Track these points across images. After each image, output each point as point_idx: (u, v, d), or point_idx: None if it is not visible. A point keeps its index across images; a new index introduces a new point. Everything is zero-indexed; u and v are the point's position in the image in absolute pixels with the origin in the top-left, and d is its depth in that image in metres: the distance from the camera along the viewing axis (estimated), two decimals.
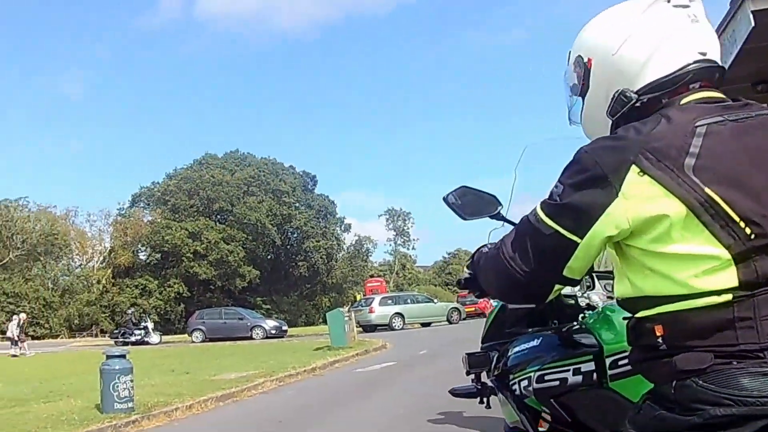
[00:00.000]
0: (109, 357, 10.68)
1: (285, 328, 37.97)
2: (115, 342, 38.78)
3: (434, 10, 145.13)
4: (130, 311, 44.94)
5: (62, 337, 68.95)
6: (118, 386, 10.34)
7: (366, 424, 9.26)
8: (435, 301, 38.63)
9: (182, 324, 69.28)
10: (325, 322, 68.59)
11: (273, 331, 35.89)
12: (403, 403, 10.83)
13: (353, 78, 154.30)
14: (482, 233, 2.78)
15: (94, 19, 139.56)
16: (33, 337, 69.19)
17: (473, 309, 41.81)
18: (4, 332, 68.46)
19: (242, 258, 74.44)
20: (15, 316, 35.96)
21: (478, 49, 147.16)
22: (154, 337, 38.35)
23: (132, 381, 10.61)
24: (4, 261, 74.05)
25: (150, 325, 39.48)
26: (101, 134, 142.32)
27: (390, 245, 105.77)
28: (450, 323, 34.84)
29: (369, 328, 33.23)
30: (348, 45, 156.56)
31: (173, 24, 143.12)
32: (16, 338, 33.39)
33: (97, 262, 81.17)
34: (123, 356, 10.72)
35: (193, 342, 36.78)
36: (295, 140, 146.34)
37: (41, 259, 77.79)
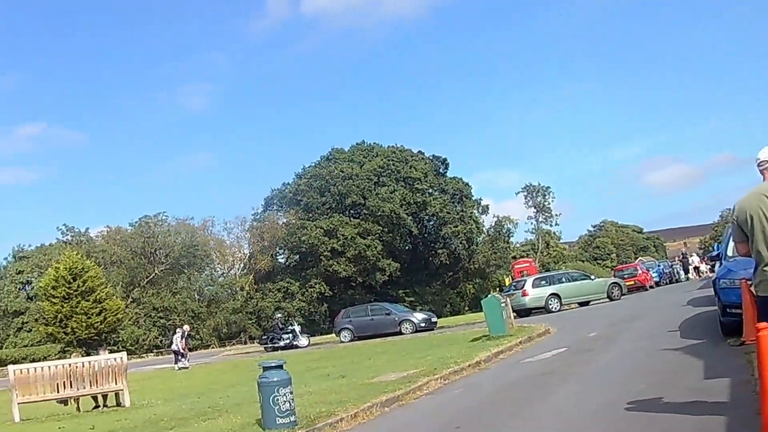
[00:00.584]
0: (266, 369, 10.17)
1: (434, 319, 37.31)
2: (265, 348, 39.34)
3: None
4: (278, 316, 45.49)
5: (213, 347, 71.14)
6: (278, 399, 9.83)
7: (555, 424, 8.30)
8: (592, 277, 36.96)
9: (327, 324, 70.06)
10: (472, 310, 68.33)
11: (422, 324, 35.29)
12: (590, 395, 9.81)
13: (472, 55, 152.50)
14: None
15: (208, 31, 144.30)
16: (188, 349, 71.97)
17: (632, 282, 39.97)
18: (158, 346, 71.65)
19: (380, 251, 74.46)
20: (178, 329, 36.81)
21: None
22: (303, 340, 38.58)
23: (292, 393, 10.08)
24: (151, 276, 77.20)
25: (297, 328, 39.75)
26: (227, 143, 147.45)
27: (531, 223, 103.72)
28: (611, 300, 33.17)
29: (523, 312, 32.11)
30: (463, 20, 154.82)
31: (283, 25, 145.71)
32: (182, 351, 34.23)
33: (238, 269, 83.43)
34: (280, 367, 10.18)
35: (341, 342, 36.70)
36: (421, 125, 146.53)
37: (185, 271, 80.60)
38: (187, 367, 32.71)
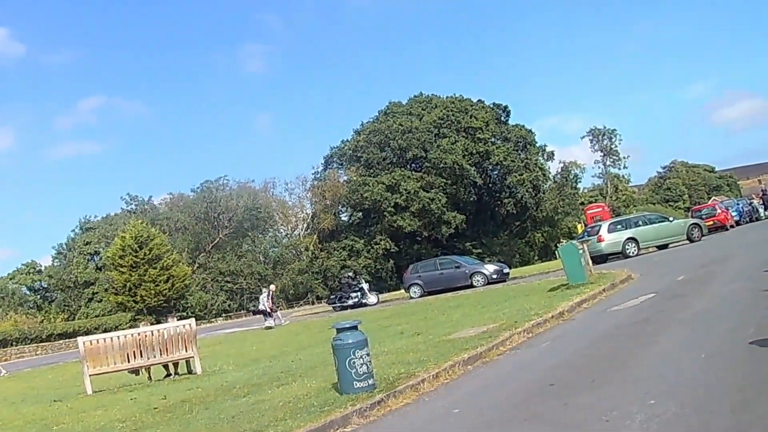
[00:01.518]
0: (339, 331, 9.62)
1: (507, 270, 36.54)
2: (333, 308, 39.22)
3: None
4: (348, 274, 45.29)
5: (280, 309, 71.72)
6: (354, 362, 9.30)
7: (663, 376, 7.58)
8: (670, 218, 35.63)
9: (394, 281, 70.03)
10: (542, 259, 67.32)
11: (494, 276, 34.57)
12: (696, 342, 9.06)
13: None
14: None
15: None
16: (253, 312, 72.79)
17: (712, 222, 38.50)
18: (227, 311, 72.62)
19: (444, 204, 73.80)
20: (264, 289, 38.01)
21: None
22: (372, 298, 38.30)
23: (368, 354, 9.53)
24: (215, 241, 78.11)
25: (366, 285, 39.46)
26: (285, 104, 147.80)
27: (598, 167, 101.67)
28: (691, 241, 31.89)
29: (599, 258, 31.07)
30: None
31: None
32: (269, 310, 34.90)
33: (301, 229, 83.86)
34: (355, 328, 9.63)
35: (411, 298, 36.28)
36: (480, 73, 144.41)
37: (249, 234, 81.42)
38: (272, 327, 33.02)
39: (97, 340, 16.61)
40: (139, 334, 16.73)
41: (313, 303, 70.56)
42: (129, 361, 16.46)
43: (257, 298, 72.81)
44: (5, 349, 55.34)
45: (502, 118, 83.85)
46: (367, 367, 9.47)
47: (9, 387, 23.44)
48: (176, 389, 14.20)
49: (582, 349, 10.54)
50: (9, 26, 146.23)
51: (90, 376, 16.21)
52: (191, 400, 11.95)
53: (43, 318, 78.66)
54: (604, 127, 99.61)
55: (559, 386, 8.17)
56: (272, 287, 38.79)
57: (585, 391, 7.56)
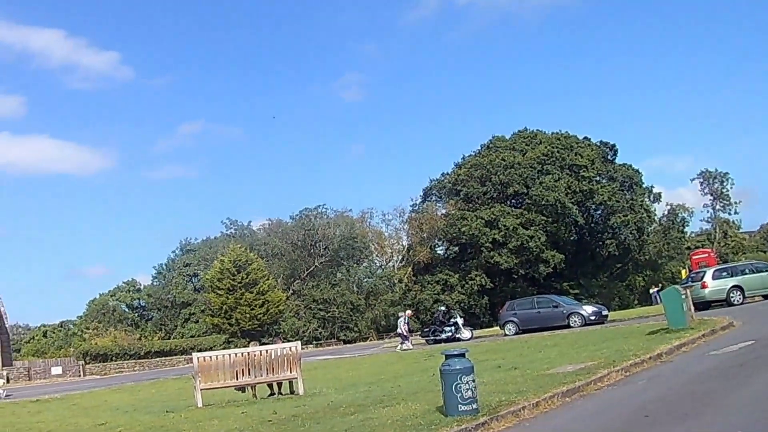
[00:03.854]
0: (448, 357, 10.61)
1: (605, 312, 36.70)
2: (426, 341, 39.94)
3: None
4: (441, 309, 46.03)
5: (371, 339, 72.90)
6: (460, 387, 10.26)
7: (753, 413, 8.25)
8: None
9: (487, 317, 70.22)
10: (641, 303, 66.33)
11: (592, 318, 34.82)
12: None
13: (637, 36, 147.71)
14: None
15: (360, 23, 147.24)
16: (344, 341, 74.22)
17: None
18: (317, 338, 74.14)
19: (544, 242, 73.65)
20: (401, 314, 40.43)
21: None
22: (466, 333, 38.84)
23: (474, 381, 10.48)
24: (311, 269, 79.91)
25: (460, 320, 40.03)
26: (384, 134, 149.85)
27: (707, 211, 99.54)
28: None
29: (702, 305, 31.05)
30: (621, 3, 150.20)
31: (436, 14, 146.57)
32: (405, 334, 37.74)
33: (396, 261, 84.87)
34: (462, 355, 10.61)
35: (506, 335, 36.75)
36: (587, 110, 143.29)
37: (344, 263, 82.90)
38: (410, 349, 35.43)
39: (210, 357, 17.94)
40: (248, 353, 17.98)
41: None
42: (237, 378, 17.68)
43: (348, 327, 74.32)
44: (105, 364, 58.07)
45: (609, 157, 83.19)
46: (472, 392, 10.39)
47: (117, 398, 24.96)
48: (283, 406, 15.28)
49: (677, 388, 11.20)
50: (120, 51, 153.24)
51: (201, 390, 17.52)
52: (302, 416, 12.98)
53: (140, 335, 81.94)
54: (716, 170, 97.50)
55: (653, 417, 8.94)
56: (408, 312, 41.79)
57: (677, 423, 8.31)
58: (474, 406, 10.39)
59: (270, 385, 18.72)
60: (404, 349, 35.66)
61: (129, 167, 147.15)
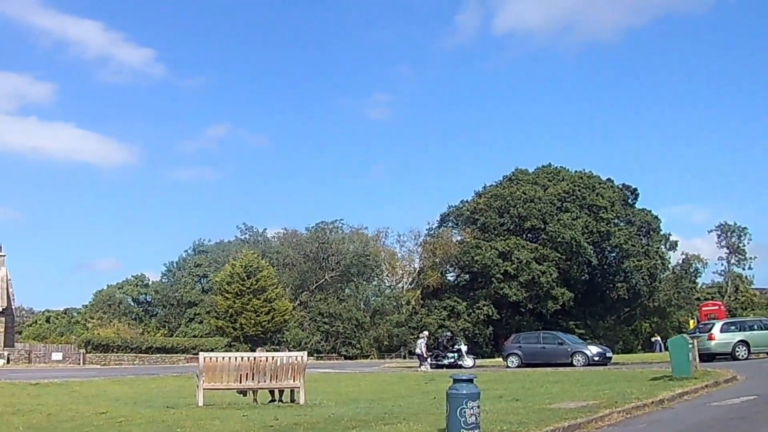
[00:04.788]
0: (456, 381, 10.76)
1: (610, 354, 36.73)
2: (428, 365, 39.95)
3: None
4: (446, 334, 46.12)
5: (372, 358, 72.86)
6: (465, 411, 10.40)
7: None
8: None
9: (490, 347, 70.17)
10: (644, 349, 66.06)
11: (596, 358, 34.85)
12: None
13: (671, 81, 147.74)
14: None
15: (395, 45, 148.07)
16: (345, 357, 74.18)
17: None
18: (319, 351, 74.15)
19: (555, 279, 73.64)
20: (421, 335, 41.07)
21: None
22: (468, 361, 38.88)
23: (479, 407, 10.63)
24: (320, 282, 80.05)
25: (464, 348, 40.10)
26: (407, 155, 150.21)
27: (721, 264, 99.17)
28: None
29: (707, 357, 31.09)
30: (661, 46, 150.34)
31: (472, 42, 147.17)
32: (424, 355, 38.56)
33: (406, 282, 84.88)
34: (471, 381, 10.76)
35: (508, 367, 36.78)
36: (613, 152, 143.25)
37: (354, 279, 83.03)
38: (428, 372, 35.74)
39: (216, 358, 18.14)
40: (254, 358, 18.16)
41: (404, 357, 71.18)
42: (240, 381, 17.88)
43: (351, 343, 74.16)
44: (106, 355, 58.29)
45: (629, 200, 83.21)
46: (476, 419, 10.54)
47: (117, 390, 25.13)
48: (285, 414, 15.42)
49: None
50: (156, 48, 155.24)
51: (203, 389, 17.70)
52: (302, 425, 13.14)
53: (143, 330, 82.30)
54: (735, 224, 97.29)
55: None
56: (426, 333, 42.14)
57: None
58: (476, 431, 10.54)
59: (272, 392, 18.90)
60: (425, 371, 36.30)
61: (151, 164, 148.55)
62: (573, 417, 12.66)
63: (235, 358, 18.11)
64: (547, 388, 20.67)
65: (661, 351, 56.99)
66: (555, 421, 12.26)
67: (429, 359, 39.42)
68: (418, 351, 39.25)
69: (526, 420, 12.43)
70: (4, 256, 56.69)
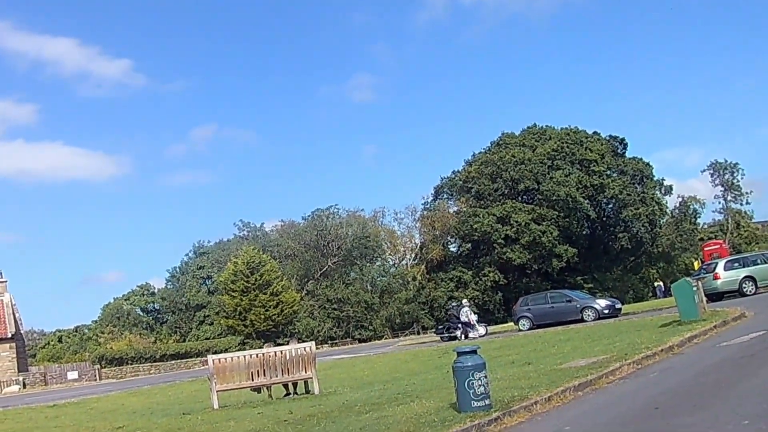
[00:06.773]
0: (460, 354, 10.76)
1: (619, 306, 36.69)
2: (441, 338, 39.99)
3: None
4: (453, 305, 46.11)
5: (386, 338, 73.09)
6: (473, 383, 10.40)
7: (759, 404, 8.37)
8: None
9: (502, 313, 70.35)
10: (656, 295, 66.40)
11: (606, 311, 34.82)
12: None
13: (642, 29, 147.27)
14: None
15: (370, 25, 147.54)
16: (359, 340, 74.41)
17: None
18: (332, 338, 74.36)
19: (556, 237, 73.78)
20: (463, 302, 41.95)
21: None
22: (480, 329, 38.83)
23: (486, 377, 10.62)
24: (324, 269, 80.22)
25: (474, 317, 40.08)
26: (394, 134, 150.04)
27: (719, 203, 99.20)
28: None
29: (714, 296, 31.09)
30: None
31: (443, 15, 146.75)
32: (472, 322, 38.62)
33: (409, 259, 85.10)
34: (474, 352, 10.76)
35: (520, 330, 36.74)
36: (597, 105, 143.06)
37: (357, 262, 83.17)
38: (476, 337, 36.62)
39: (226, 359, 18.11)
40: (263, 354, 18.15)
41: (418, 333, 71.50)
42: (253, 379, 17.86)
43: (363, 326, 74.38)
44: (121, 367, 58.55)
45: (619, 151, 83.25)
46: (485, 388, 10.54)
47: (134, 402, 25.15)
48: (299, 406, 15.45)
49: (687, 380, 11.35)
50: (133, 58, 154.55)
51: (217, 392, 17.71)
52: (317, 415, 13.15)
53: (155, 338, 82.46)
54: (726, 161, 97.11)
55: (663, 409, 9.08)
56: (464, 301, 42.39)
57: (686, 414, 8.46)
58: (487, 401, 10.53)
59: (285, 386, 18.90)
60: (472, 337, 36.57)
61: (142, 173, 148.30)
62: (584, 375, 12.66)
63: (244, 356, 18.09)
64: (558, 347, 20.66)
65: (663, 296, 57.18)
66: (565, 381, 12.26)
67: (446, 331, 39.56)
68: (464, 319, 38.77)
69: (537, 383, 12.44)
70: (6, 281, 56.46)
